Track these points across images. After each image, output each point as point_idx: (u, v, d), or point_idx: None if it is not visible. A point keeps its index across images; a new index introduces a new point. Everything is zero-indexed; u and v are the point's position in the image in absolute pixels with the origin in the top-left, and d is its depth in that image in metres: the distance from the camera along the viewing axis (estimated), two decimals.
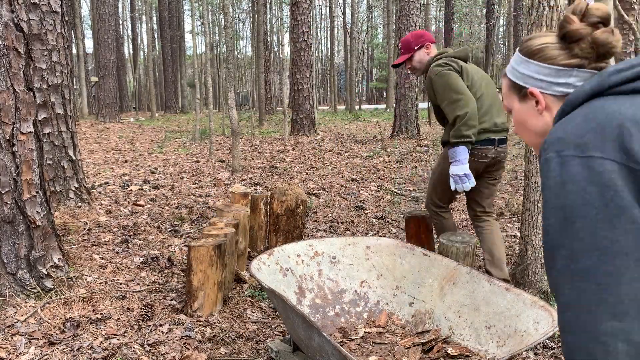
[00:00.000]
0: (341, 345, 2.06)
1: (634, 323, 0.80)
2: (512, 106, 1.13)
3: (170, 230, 4.58)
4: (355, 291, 2.54)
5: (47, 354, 2.37)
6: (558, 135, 0.90)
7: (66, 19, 4.55)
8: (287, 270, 2.44)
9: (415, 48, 3.30)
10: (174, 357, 2.44)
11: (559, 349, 2.65)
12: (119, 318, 2.77)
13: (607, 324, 0.80)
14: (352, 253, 2.57)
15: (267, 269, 2.32)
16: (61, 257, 3.04)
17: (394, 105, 13.02)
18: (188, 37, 52.49)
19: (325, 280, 2.53)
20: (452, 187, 2.99)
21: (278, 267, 2.40)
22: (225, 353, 2.54)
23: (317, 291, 2.49)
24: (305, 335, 1.96)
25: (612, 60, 1.22)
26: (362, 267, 2.56)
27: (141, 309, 2.91)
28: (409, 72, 3.48)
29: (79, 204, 4.78)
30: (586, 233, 0.82)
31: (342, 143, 11.90)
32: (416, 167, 8.39)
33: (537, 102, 1.06)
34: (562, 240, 0.85)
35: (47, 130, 4.48)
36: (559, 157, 0.87)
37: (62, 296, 2.86)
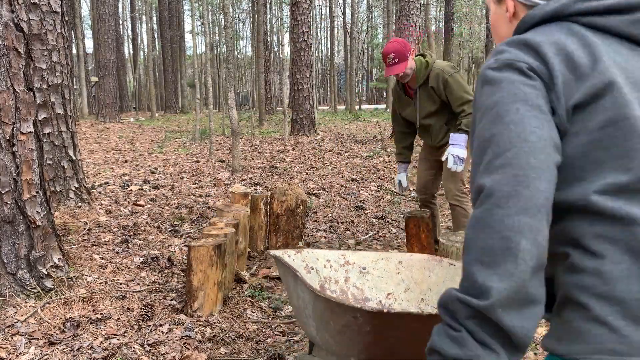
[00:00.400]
0: None
1: (543, 223, 0.79)
2: (489, 6, 1.12)
3: (170, 230, 4.58)
4: (380, 301, 2.53)
5: (47, 354, 2.37)
6: (499, 48, 0.92)
7: (66, 19, 4.55)
8: (312, 269, 2.42)
9: (408, 55, 3.42)
10: (174, 357, 2.44)
11: None
12: (119, 318, 2.77)
13: (516, 218, 0.78)
14: (384, 267, 2.56)
15: (290, 260, 2.30)
16: (61, 257, 3.04)
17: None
18: (188, 37, 52.49)
19: (351, 287, 2.52)
20: (449, 165, 3.31)
21: (304, 264, 2.38)
22: (225, 353, 2.54)
23: (340, 294, 2.48)
24: (303, 305, 1.96)
25: None
26: (392, 280, 2.56)
27: (141, 309, 2.91)
28: (399, 78, 3.57)
29: (79, 204, 4.78)
30: (512, 126, 0.83)
31: (342, 143, 11.90)
32: (416, 167, 8.39)
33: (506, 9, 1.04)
34: (491, 135, 0.85)
35: (47, 130, 4.48)
36: (488, 69, 0.90)
37: (62, 296, 2.86)
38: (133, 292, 3.13)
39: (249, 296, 3.25)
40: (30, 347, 2.41)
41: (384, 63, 3.48)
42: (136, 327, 2.70)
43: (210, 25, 29.89)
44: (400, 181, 4.00)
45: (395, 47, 3.40)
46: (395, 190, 6.54)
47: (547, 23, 0.94)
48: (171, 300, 3.07)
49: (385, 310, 1.65)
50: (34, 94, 2.86)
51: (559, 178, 0.85)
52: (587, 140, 0.86)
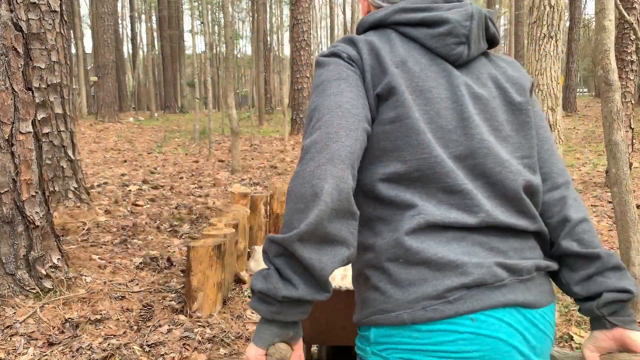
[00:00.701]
0: None
1: (347, 172, 0.90)
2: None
3: (169, 231, 4.57)
4: None
5: (46, 355, 2.36)
6: (334, 42, 1.11)
7: (65, 18, 4.54)
8: None
9: None
10: (173, 357, 2.43)
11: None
12: (118, 318, 2.76)
13: (323, 167, 0.89)
14: None
15: None
16: (60, 257, 3.03)
17: None
18: (187, 36, 52.48)
19: (347, 284, 2.50)
20: None
21: None
22: (225, 354, 2.53)
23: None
24: None
25: None
26: None
27: (140, 309, 2.90)
28: None
29: (78, 204, 4.77)
30: (332, 97, 0.98)
31: None
32: None
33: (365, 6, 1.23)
34: (315, 105, 1.00)
35: (46, 130, 4.47)
36: (321, 56, 1.09)
37: (61, 296, 2.85)
38: (132, 292, 3.12)
39: (249, 297, 3.25)
40: (29, 347, 2.40)
41: None
42: (135, 327, 2.69)
43: (210, 24, 29.86)
44: None
45: None
46: None
47: (375, 28, 1.11)
48: (170, 300, 3.06)
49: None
50: (32, 93, 2.85)
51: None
52: (381, 130, 0.99)
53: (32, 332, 2.52)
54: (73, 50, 20.92)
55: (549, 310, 0.99)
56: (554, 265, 1.03)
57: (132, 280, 3.32)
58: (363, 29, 1.13)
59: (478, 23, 1.05)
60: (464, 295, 0.91)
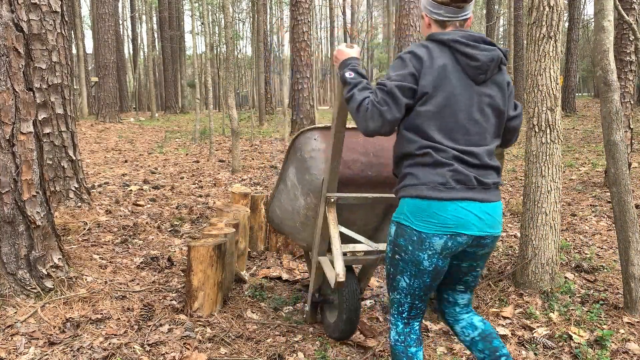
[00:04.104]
0: None
1: (395, 112, 1.75)
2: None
3: (170, 230, 4.58)
4: None
5: (47, 354, 2.37)
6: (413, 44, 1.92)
7: (66, 19, 4.55)
8: None
9: None
10: (174, 357, 2.44)
11: (559, 349, 2.65)
12: (119, 318, 2.77)
13: (384, 107, 1.74)
14: None
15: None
16: (61, 257, 3.04)
17: None
18: (188, 37, 52.47)
19: None
20: None
21: None
22: (225, 353, 2.54)
23: None
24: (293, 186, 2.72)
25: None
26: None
27: (141, 309, 2.91)
28: None
29: (79, 204, 4.78)
30: (398, 71, 1.83)
31: None
32: None
33: (426, 21, 1.92)
34: (389, 75, 1.84)
35: (47, 130, 4.48)
36: (401, 53, 1.85)
37: (62, 296, 2.86)
38: (133, 292, 3.12)
39: (249, 296, 3.25)
40: (30, 347, 2.41)
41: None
42: (136, 327, 2.70)
43: (210, 25, 29.87)
44: None
45: None
46: None
47: (436, 42, 1.82)
48: (171, 300, 3.07)
49: (329, 125, 2.48)
50: (33, 94, 2.86)
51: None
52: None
53: (33, 331, 2.53)
54: (74, 51, 20.94)
55: (498, 205, 1.83)
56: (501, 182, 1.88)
57: (132, 280, 3.33)
58: (431, 39, 1.83)
59: (495, 63, 1.80)
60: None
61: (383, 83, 1.74)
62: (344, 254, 2.66)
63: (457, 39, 1.76)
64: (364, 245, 2.52)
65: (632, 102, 6.62)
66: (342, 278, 2.24)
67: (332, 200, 2.46)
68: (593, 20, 3.31)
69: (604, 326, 2.84)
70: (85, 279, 3.14)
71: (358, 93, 1.79)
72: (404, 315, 1.90)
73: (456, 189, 1.73)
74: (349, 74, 1.87)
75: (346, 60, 1.94)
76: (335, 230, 2.40)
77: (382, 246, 2.52)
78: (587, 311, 3.02)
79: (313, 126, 2.49)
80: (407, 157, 1.81)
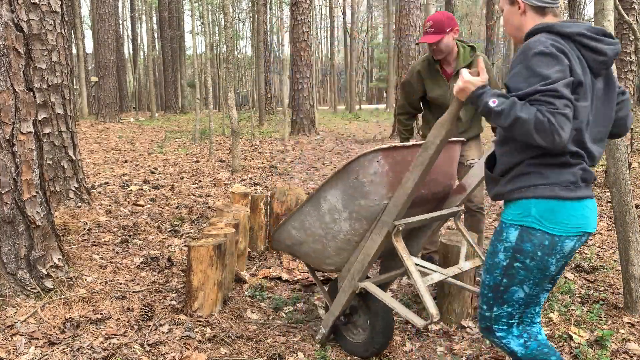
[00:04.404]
0: None
1: (563, 116, 1.55)
2: (503, 7, 1.87)
3: (170, 230, 4.58)
4: None
5: (47, 354, 2.37)
6: (531, 41, 1.68)
7: (66, 19, 4.55)
8: None
9: (447, 30, 3.23)
10: (173, 357, 2.44)
11: (559, 349, 2.65)
12: (118, 318, 2.77)
13: (557, 106, 1.58)
14: None
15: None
16: (61, 257, 3.04)
17: (394, 105, 13.00)
18: (188, 37, 52.51)
19: None
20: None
21: None
22: (225, 353, 2.54)
23: None
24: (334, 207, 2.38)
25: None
26: None
27: (141, 309, 2.91)
28: (433, 53, 3.35)
29: (79, 204, 4.78)
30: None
31: (342, 143, 11.90)
32: None
33: (519, 7, 1.80)
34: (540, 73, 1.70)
35: (47, 130, 4.48)
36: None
37: (62, 296, 2.86)
38: (133, 292, 3.12)
39: (249, 296, 3.25)
40: (30, 347, 2.41)
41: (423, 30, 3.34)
42: (136, 327, 2.70)
43: (210, 25, 29.89)
44: None
45: (436, 18, 3.24)
46: None
47: (559, 35, 1.69)
48: (171, 300, 3.07)
49: (394, 145, 2.23)
50: (33, 94, 2.86)
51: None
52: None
53: (33, 331, 2.53)
54: (74, 51, 20.94)
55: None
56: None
57: (132, 280, 3.33)
58: (535, 32, 1.72)
59: (616, 57, 1.71)
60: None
61: (549, 88, 1.52)
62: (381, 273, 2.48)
63: (583, 32, 1.64)
64: (439, 275, 2.34)
65: (632, 102, 6.62)
66: (437, 318, 2.01)
67: (401, 228, 2.20)
68: (593, 20, 3.31)
69: (604, 326, 2.84)
70: (85, 279, 3.14)
71: (521, 112, 1.53)
72: (513, 322, 1.79)
73: (581, 187, 1.66)
74: (492, 102, 1.61)
75: (476, 91, 1.69)
76: (410, 262, 2.15)
77: (453, 271, 2.39)
78: (587, 311, 3.02)
79: (376, 148, 2.22)
80: (532, 155, 1.66)
